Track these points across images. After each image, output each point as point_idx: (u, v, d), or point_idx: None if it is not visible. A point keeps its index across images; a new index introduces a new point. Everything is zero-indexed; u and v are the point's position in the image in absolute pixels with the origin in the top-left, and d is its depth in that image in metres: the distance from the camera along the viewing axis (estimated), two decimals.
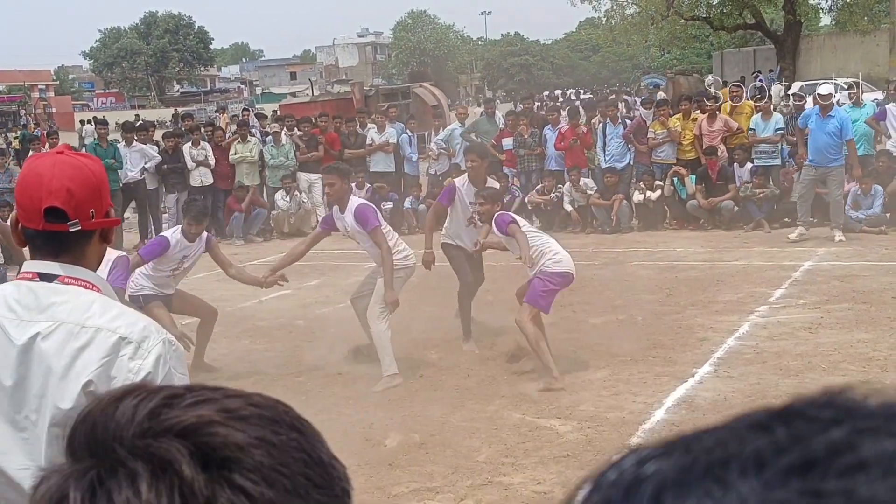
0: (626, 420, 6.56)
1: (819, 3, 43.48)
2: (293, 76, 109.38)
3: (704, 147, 14.73)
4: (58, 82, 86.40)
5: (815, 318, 8.85)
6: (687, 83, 31.44)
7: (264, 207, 16.86)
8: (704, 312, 9.40)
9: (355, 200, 7.91)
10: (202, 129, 17.99)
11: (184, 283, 8.57)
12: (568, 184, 15.32)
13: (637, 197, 15.09)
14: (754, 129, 14.79)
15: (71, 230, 2.17)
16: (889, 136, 14.37)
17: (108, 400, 0.73)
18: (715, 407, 6.67)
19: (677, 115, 15.46)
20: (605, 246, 13.68)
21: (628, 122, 16.07)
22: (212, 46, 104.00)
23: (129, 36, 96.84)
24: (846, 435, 0.45)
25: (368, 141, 17.17)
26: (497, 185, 9.24)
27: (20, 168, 23.35)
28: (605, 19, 44.03)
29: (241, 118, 23.43)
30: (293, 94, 59.31)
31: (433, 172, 17.08)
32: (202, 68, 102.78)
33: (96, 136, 17.42)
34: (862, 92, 17.42)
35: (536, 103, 24.78)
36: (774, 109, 16.20)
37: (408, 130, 17.55)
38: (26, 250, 2.29)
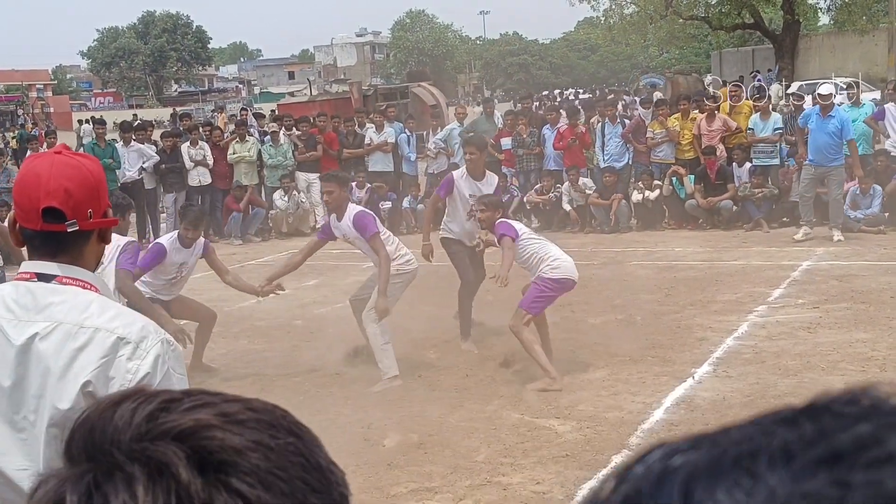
0: (625, 420, 6.56)
1: (818, 3, 43.58)
2: (291, 76, 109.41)
3: (703, 147, 14.73)
4: (55, 82, 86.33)
5: (813, 318, 8.85)
6: (685, 83, 31.44)
7: (262, 207, 16.85)
8: (703, 312, 9.41)
9: (353, 208, 7.93)
10: (200, 129, 17.98)
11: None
12: (567, 183, 15.32)
13: (636, 196, 15.10)
14: (753, 129, 14.79)
15: (69, 230, 2.17)
16: (888, 136, 14.37)
17: (106, 404, 0.73)
18: (714, 407, 6.67)
19: (676, 115, 15.46)
20: (603, 246, 13.68)
21: (627, 121, 16.07)
22: (210, 46, 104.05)
23: (127, 35, 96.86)
24: (872, 430, 0.46)
25: (367, 141, 17.16)
26: (496, 178, 9.24)
27: (18, 168, 23.32)
28: (603, 19, 44.05)
29: (239, 118, 23.42)
30: (291, 94, 59.26)
31: (432, 172, 17.08)
32: (200, 68, 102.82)
33: (94, 135, 17.41)
34: (861, 92, 17.43)
35: (535, 103, 24.82)
36: (773, 109, 16.20)
37: (406, 130, 17.54)
38: (25, 250, 2.29)
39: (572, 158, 15.53)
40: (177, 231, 8.24)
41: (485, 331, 8.87)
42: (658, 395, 7.02)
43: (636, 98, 26.15)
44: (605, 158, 15.55)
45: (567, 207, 15.25)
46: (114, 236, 7.61)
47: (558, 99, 39.62)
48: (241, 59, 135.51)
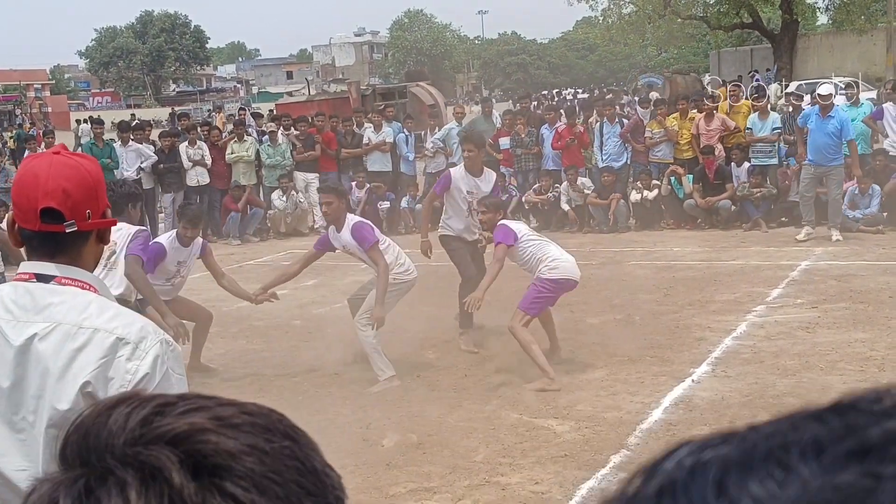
0: (624, 420, 6.56)
1: (816, 3, 43.62)
2: (289, 75, 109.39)
3: (702, 146, 14.73)
4: (53, 81, 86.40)
5: (812, 318, 8.85)
6: (684, 82, 31.42)
7: (261, 207, 16.85)
8: (702, 312, 9.41)
9: (352, 218, 7.95)
10: (199, 129, 17.97)
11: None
12: (565, 183, 15.32)
13: (634, 196, 15.10)
14: (751, 129, 14.80)
15: (67, 231, 2.16)
16: (886, 136, 14.38)
17: (101, 408, 0.73)
18: (712, 407, 6.67)
19: (674, 115, 15.47)
20: (602, 245, 13.68)
21: (625, 121, 16.07)
22: (208, 45, 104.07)
23: (125, 35, 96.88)
24: None
25: (365, 140, 17.16)
26: (493, 174, 9.25)
27: (16, 167, 23.32)
28: (601, 18, 44.07)
29: (237, 118, 23.41)
30: (290, 94, 59.23)
31: (430, 171, 17.08)
32: (198, 67, 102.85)
33: (92, 135, 17.40)
34: (860, 91, 17.43)
35: (533, 102, 24.82)
36: (772, 109, 16.20)
37: (404, 130, 17.54)
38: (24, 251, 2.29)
39: (571, 158, 15.53)
40: (175, 230, 8.23)
41: (484, 331, 8.87)
42: (657, 395, 7.02)
43: (635, 98, 26.17)
44: (604, 158, 15.55)
45: (565, 207, 15.25)
46: (124, 225, 7.55)
47: (555, 98, 39.66)
48: (239, 59, 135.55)
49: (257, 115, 23.72)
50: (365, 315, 7.78)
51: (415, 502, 5.51)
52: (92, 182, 2.20)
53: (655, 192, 14.91)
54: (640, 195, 14.98)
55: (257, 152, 17.04)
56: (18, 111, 59.47)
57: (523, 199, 15.66)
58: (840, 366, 7.40)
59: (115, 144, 16.51)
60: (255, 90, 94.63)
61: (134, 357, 2.10)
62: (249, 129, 18.58)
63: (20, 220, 2.21)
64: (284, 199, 16.63)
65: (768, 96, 17.28)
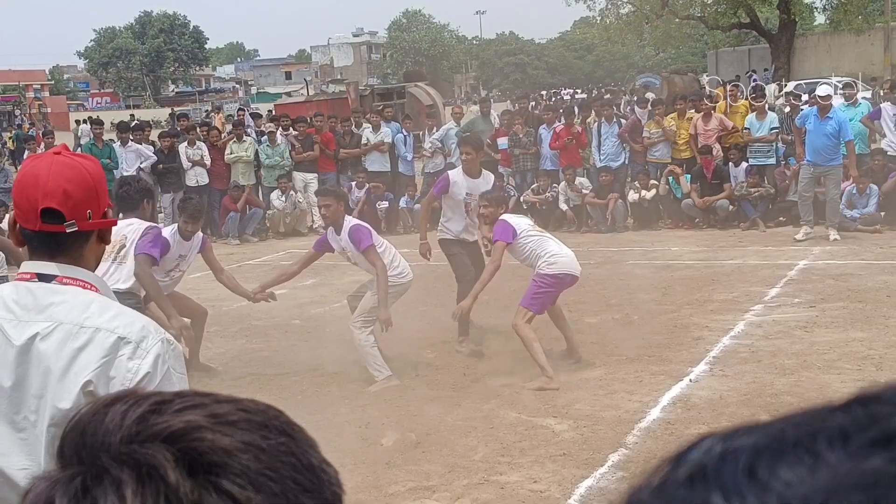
0: (622, 419, 6.57)
1: (813, 3, 43.64)
2: (288, 76, 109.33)
3: (699, 146, 14.75)
4: (52, 82, 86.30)
5: (810, 317, 8.87)
6: (682, 82, 31.40)
7: (260, 207, 16.85)
8: (700, 311, 9.42)
9: (350, 220, 7.98)
10: (198, 129, 17.97)
11: (180, 283, 8.56)
12: (563, 183, 15.33)
13: (632, 196, 15.11)
14: (749, 129, 14.82)
15: (67, 231, 2.17)
16: (884, 135, 14.40)
17: (98, 406, 0.73)
18: (711, 406, 6.68)
19: (672, 115, 15.48)
20: (600, 245, 13.69)
21: (623, 121, 16.08)
22: (207, 46, 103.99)
23: (124, 36, 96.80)
24: None
25: (364, 140, 17.16)
26: (492, 176, 9.27)
27: (15, 168, 23.29)
28: (599, 18, 44.12)
29: (236, 118, 23.40)
30: (288, 94, 59.29)
31: (428, 171, 17.09)
32: (197, 68, 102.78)
33: (92, 136, 17.40)
34: (858, 91, 17.43)
35: (531, 102, 24.82)
36: (770, 109, 16.22)
37: (403, 130, 17.55)
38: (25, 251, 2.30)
39: (569, 158, 15.54)
40: (176, 224, 8.23)
41: (482, 331, 8.87)
42: (655, 394, 7.03)
43: (633, 98, 26.19)
44: (602, 158, 15.56)
45: (563, 207, 15.26)
46: (136, 221, 7.53)
47: (552, 99, 39.62)
48: (238, 60, 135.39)
49: (256, 116, 23.72)
50: (360, 318, 7.81)
51: (414, 501, 5.52)
52: (92, 182, 2.20)
53: (653, 191, 14.92)
54: (638, 195, 14.99)
55: (256, 153, 17.04)
56: (18, 112, 59.44)
57: (521, 199, 15.66)
58: (838, 365, 7.42)
59: (114, 145, 16.52)
60: (253, 90, 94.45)
61: (135, 356, 2.11)
62: (248, 130, 18.58)
63: (21, 221, 2.22)
64: (283, 199, 16.64)
65: (766, 96, 17.28)
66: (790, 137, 14.34)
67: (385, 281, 7.63)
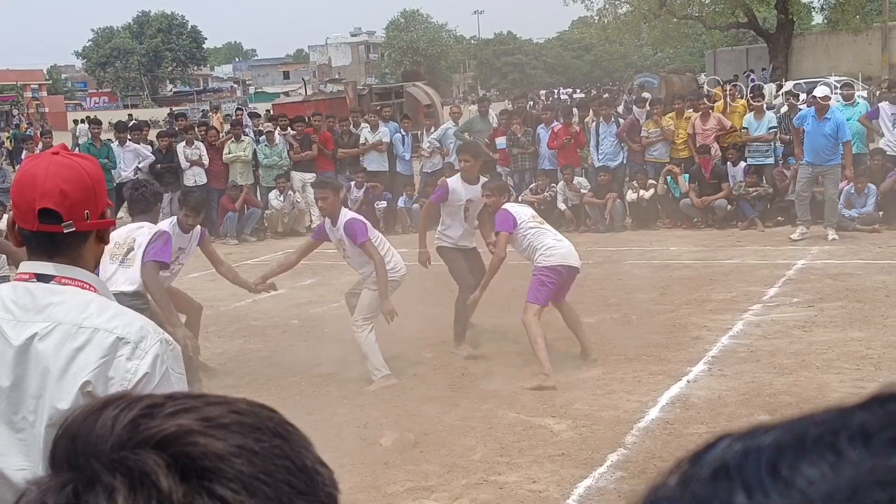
0: (621, 419, 6.57)
1: (811, 2, 43.66)
2: (286, 75, 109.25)
3: (698, 146, 14.76)
4: (50, 82, 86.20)
5: (808, 317, 8.87)
6: (680, 82, 31.44)
7: (258, 207, 16.85)
8: (698, 311, 9.42)
9: (346, 213, 7.98)
10: (196, 129, 17.97)
11: (177, 282, 8.55)
12: (561, 183, 15.33)
13: (630, 196, 15.12)
14: (747, 128, 14.82)
15: (65, 231, 2.17)
16: (882, 135, 14.41)
17: (89, 410, 0.72)
18: (709, 405, 6.68)
19: (671, 114, 15.48)
20: (598, 245, 13.68)
21: (621, 120, 16.08)
22: (205, 46, 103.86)
23: (122, 35, 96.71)
24: None
25: (362, 140, 17.16)
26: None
27: (13, 168, 23.27)
28: (597, 18, 44.12)
29: (234, 118, 23.40)
30: (286, 94, 59.21)
31: (426, 171, 17.10)
32: (195, 68, 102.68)
33: (90, 135, 17.40)
34: (856, 91, 17.46)
35: (530, 102, 24.81)
36: (768, 108, 16.23)
37: (401, 130, 17.55)
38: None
39: (567, 158, 15.55)
40: (175, 217, 8.21)
41: (480, 330, 8.88)
42: (653, 393, 7.03)
43: (631, 97, 26.21)
44: (600, 158, 15.57)
45: (562, 207, 15.26)
46: (147, 224, 7.54)
47: (550, 99, 39.63)
48: (236, 59, 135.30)
49: (254, 116, 23.72)
50: (360, 317, 7.81)
51: (412, 501, 5.52)
52: (91, 182, 2.20)
53: (652, 191, 14.93)
54: (636, 195, 15.00)
55: (254, 152, 17.04)
56: (15, 111, 59.42)
57: (520, 198, 15.65)
58: (836, 364, 7.42)
59: (112, 145, 16.52)
60: (251, 90, 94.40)
61: (134, 356, 2.11)
62: (246, 130, 18.58)
63: (19, 221, 2.22)
64: (281, 198, 16.63)
65: (765, 96, 17.30)
66: (788, 137, 14.35)
67: (383, 271, 7.63)
